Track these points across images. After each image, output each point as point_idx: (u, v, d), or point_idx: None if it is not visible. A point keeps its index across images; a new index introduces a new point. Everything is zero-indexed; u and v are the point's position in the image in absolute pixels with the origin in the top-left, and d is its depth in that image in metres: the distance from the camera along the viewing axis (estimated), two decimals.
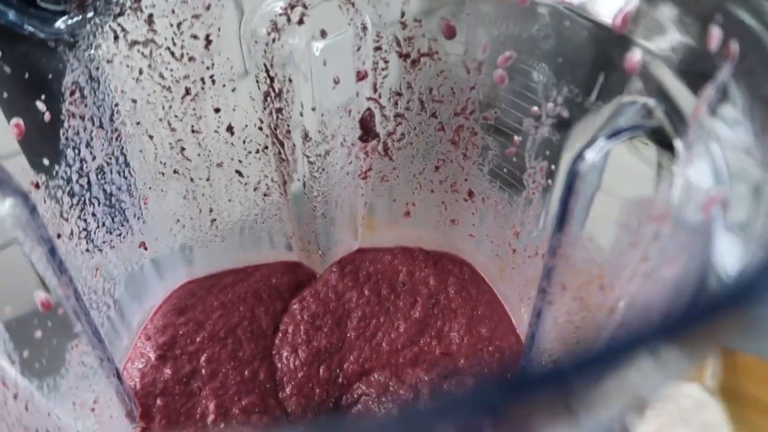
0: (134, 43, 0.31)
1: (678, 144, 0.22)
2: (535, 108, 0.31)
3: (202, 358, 0.36)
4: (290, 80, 0.34)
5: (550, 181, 0.32)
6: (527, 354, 0.33)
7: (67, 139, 0.30)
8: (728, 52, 0.20)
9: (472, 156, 0.36)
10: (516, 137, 0.33)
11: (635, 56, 0.25)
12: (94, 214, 0.33)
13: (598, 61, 0.27)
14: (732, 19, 0.20)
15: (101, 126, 0.32)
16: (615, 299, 0.25)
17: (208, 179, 0.38)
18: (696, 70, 0.22)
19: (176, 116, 0.35)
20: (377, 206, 0.40)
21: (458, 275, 0.40)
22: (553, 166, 0.31)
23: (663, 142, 0.23)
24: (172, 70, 0.33)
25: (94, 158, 0.32)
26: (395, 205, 0.40)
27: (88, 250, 0.32)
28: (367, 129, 0.37)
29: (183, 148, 0.36)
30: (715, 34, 0.21)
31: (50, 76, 0.29)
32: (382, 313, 0.39)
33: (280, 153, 0.37)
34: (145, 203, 0.36)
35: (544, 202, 0.33)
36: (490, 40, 0.32)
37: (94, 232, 0.33)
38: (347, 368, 0.37)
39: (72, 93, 0.30)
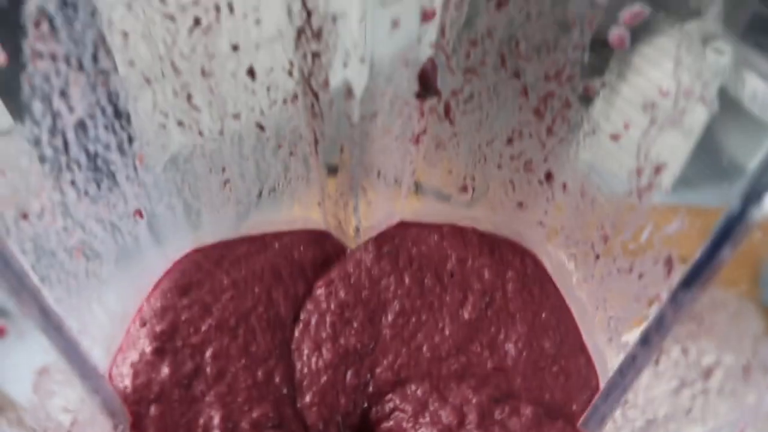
0: None
1: None
2: (665, 86, 0.23)
3: (208, 353, 0.30)
4: (334, 19, 0.25)
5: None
6: (605, 397, 0.26)
7: (32, 87, 0.22)
8: None
9: (558, 132, 0.28)
10: (626, 120, 0.25)
11: None
12: (73, 182, 0.25)
13: None
14: None
15: (81, 68, 0.24)
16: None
17: (221, 133, 0.30)
18: None
19: (182, 54, 0.26)
20: (429, 177, 0.33)
21: (519, 269, 0.33)
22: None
23: None
24: None
25: (72, 111, 0.24)
26: (451, 178, 0.33)
27: (66, 229, 0.25)
28: (426, 84, 0.29)
29: (190, 95, 0.28)
30: None
31: (4, 2, 0.21)
32: (425, 309, 0.32)
33: (312, 106, 0.29)
34: (141, 162, 0.29)
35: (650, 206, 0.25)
36: None
37: (74, 205, 0.26)
38: (379, 375, 0.31)
39: (37, 25, 0.22)
